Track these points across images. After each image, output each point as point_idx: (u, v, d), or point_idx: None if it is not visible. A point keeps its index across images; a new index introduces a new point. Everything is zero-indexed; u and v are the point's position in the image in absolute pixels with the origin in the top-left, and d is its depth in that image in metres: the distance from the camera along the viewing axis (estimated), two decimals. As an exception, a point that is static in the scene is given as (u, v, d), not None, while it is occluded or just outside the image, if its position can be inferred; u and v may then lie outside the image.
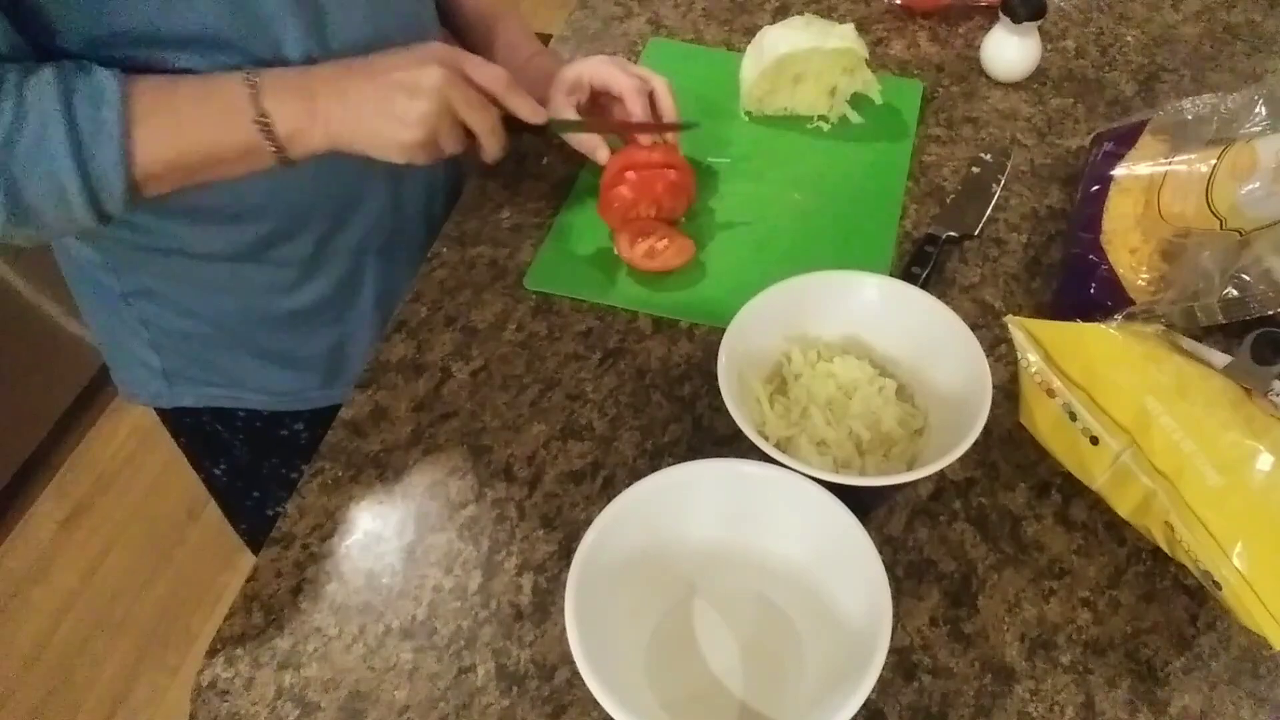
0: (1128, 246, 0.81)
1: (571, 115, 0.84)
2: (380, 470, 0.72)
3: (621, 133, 0.86)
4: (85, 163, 0.63)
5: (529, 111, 0.77)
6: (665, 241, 0.84)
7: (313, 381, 0.92)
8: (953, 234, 0.87)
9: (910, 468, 0.65)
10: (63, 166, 0.63)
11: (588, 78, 0.84)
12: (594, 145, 0.84)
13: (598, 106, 0.87)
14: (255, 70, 0.68)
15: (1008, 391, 0.75)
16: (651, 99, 0.85)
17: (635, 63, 1.04)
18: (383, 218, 0.87)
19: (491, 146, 0.76)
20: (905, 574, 0.67)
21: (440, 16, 0.90)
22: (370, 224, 0.87)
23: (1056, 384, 0.67)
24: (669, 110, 0.85)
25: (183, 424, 0.98)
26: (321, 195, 0.81)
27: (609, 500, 0.58)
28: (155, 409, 0.97)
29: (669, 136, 0.86)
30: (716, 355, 0.65)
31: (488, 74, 0.74)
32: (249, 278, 0.84)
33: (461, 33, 0.95)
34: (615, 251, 0.85)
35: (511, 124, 0.77)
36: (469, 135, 0.74)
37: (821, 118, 0.98)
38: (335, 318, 0.90)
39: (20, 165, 0.62)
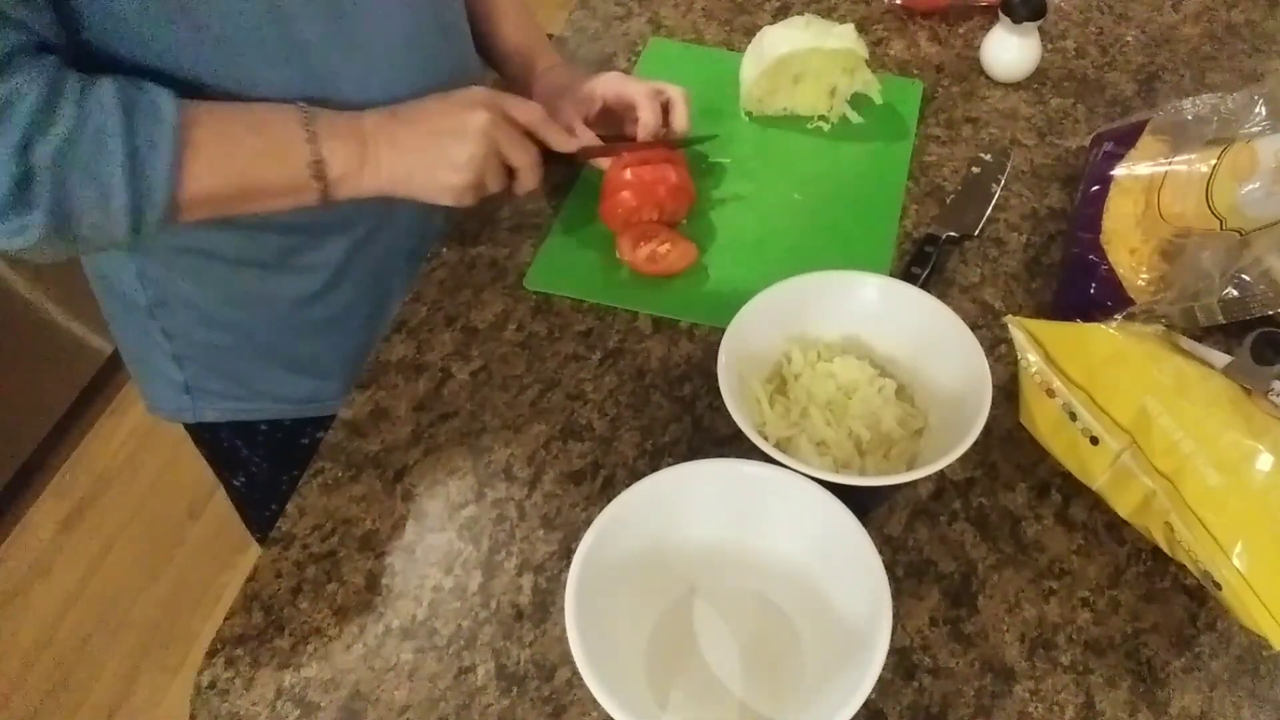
0: (1128, 246, 0.81)
1: (581, 128, 0.84)
2: (380, 470, 0.72)
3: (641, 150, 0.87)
4: (136, 177, 0.63)
5: (562, 142, 0.81)
6: (668, 245, 0.84)
7: (335, 388, 0.92)
8: (953, 234, 0.87)
9: (910, 468, 0.65)
10: (114, 177, 0.62)
11: (600, 92, 0.85)
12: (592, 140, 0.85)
13: (611, 119, 0.87)
14: (309, 109, 0.70)
15: (1008, 391, 0.75)
16: (665, 108, 0.86)
17: (635, 62, 1.04)
18: (412, 224, 0.87)
19: (531, 181, 0.79)
20: (905, 574, 0.67)
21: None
22: (400, 231, 0.87)
23: (1056, 384, 0.67)
24: (681, 119, 0.86)
25: (203, 438, 0.98)
26: (357, 205, 0.81)
27: (609, 500, 0.58)
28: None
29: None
30: (716, 355, 0.65)
31: (525, 111, 0.79)
32: (278, 285, 0.84)
33: (500, 63, 0.95)
34: (617, 255, 0.85)
35: (544, 154, 0.80)
36: (509, 172, 0.78)
37: (821, 118, 0.98)
38: (361, 324, 0.89)
39: (73, 170, 0.61)
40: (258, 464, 0.99)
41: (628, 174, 0.83)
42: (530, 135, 0.79)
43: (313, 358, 0.90)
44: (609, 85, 0.85)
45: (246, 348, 0.88)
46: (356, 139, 0.71)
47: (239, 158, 0.68)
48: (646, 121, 0.84)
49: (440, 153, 0.73)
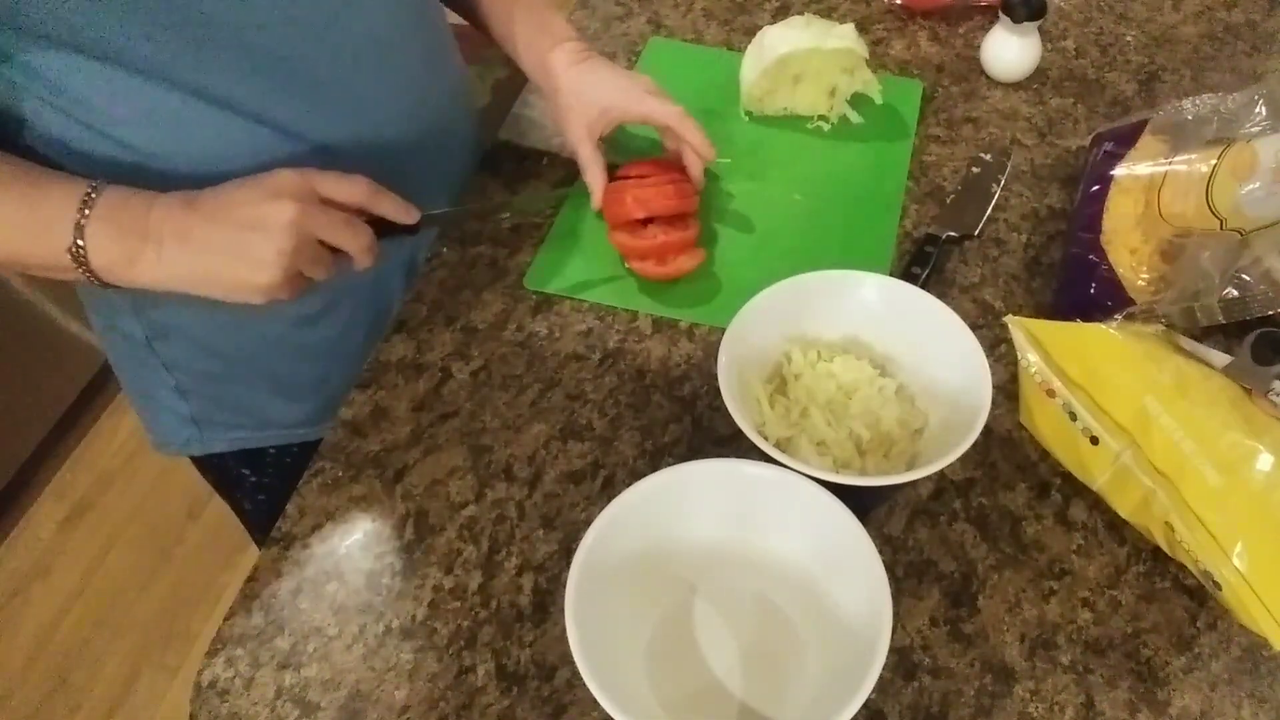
0: (1128, 246, 0.81)
1: (589, 150, 0.83)
2: (380, 470, 0.72)
3: (462, 220, 0.88)
4: None
5: (400, 213, 0.73)
6: (673, 253, 0.83)
7: (339, 408, 0.91)
8: (953, 234, 0.87)
9: (910, 468, 0.65)
10: None
11: (618, 114, 0.82)
12: (595, 177, 0.83)
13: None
14: (105, 188, 0.64)
15: (1008, 391, 0.75)
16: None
17: (635, 62, 1.04)
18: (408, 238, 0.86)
19: (367, 261, 0.72)
20: (905, 574, 0.67)
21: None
22: (397, 244, 0.85)
23: (1056, 384, 0.67)
24: (702, 140, 0.84)
25: (210, 466, 0.96)
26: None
27: (609, 500, 0.58)
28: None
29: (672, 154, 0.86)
30: (716, 355, 0.65)
31: (346, 188, 0.69)
32: (277, 307, 0.82)
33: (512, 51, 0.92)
34: (624, 264, 0.84)
35: (380, 227, 0.72)
36: (336, 254, 0.70)
37: (821, 118, 0.98)
38: (361, 343, 0.86)
39: None
40: (266, 489, 0.97)
41: (633, 188, 0.83)
42: (360, 212, 0.71)
43: (315, 380, 0.89)
44: (628, 109, 0.82)
45: (248, 374, 0.86)
46: (134, 232, 0.64)
47: None
48: (690, 139, 0.82)
49: (242, 249, 0.65)
